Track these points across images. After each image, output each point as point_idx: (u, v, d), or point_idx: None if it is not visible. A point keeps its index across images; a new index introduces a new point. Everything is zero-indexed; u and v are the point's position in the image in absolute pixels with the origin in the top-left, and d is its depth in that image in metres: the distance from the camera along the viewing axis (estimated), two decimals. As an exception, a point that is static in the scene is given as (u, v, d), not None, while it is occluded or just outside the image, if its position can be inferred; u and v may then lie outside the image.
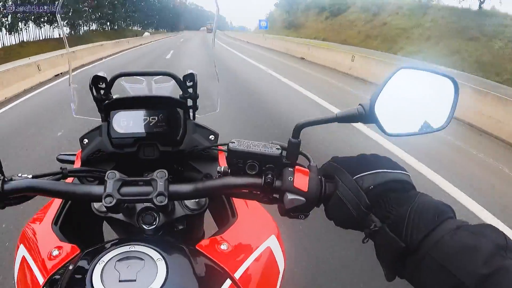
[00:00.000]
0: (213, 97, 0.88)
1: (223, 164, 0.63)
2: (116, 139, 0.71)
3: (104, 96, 0.71)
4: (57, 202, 0.73)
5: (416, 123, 0.52)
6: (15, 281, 0.63)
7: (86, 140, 0.73)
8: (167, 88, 0.78)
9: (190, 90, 0.73)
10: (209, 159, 0.76)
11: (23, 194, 0.52)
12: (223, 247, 0.62)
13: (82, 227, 0.75)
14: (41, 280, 0.57)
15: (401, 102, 0.49)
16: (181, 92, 0.74)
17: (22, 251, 0.65)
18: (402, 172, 0.47)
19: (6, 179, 0.50)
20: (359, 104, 0.49)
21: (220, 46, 21.10)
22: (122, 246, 0.48)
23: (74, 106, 0.82)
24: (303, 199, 0.48)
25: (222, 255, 0.60)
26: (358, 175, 0.46)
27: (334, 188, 0.48)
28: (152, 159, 0.73)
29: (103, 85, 0.70)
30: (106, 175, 0.49)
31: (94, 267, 0.44)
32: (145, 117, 0.71)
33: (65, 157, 0.91)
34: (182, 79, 0.72)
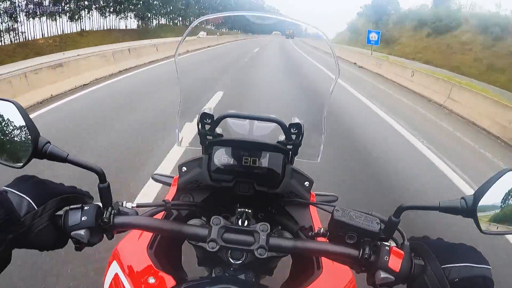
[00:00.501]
0: (315, 146, 0.87)
1: (313, 213, 0.78)
2: (215, 173, 0.75)
3: (209, 132, 0.75)
4: None
5: None
6: None
7: (184, 168, 0.78)
8: (269, 129, 0.81)
9: (294, 137, 0.75)
10: (301, 206, 0.78)
11: (131, 229, 0.58)
12: None
13: (170, 251, 0.79)
14: None
15: (503, 203, 0.51)
16: (283, 135, 0.77)
17: (115, 268, 0.68)
18: (485, 267, 0.49)
19: (115, 213, 0.55)
20: (462, 198, 0.52)
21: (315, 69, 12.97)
22: (218, 286, 0.52)
23: (179, 137, 0.89)
24: (393, 278, 0.51)
25: None
26: (446, 265, 0.49)
27: (422, 271, 0.50)
28: (246, 196, 0.76)
29: (209, 121, 0.75)
30: (211, 221, 0.56)
31: None
32: (246, 157, 0.74)
33: (160, 178, 1.08)
34: (287, 126, 0.74)
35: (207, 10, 70.42)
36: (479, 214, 0.51)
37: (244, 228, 0.56)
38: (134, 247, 0.72)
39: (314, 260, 0.73)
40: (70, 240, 0.54)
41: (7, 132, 0.52)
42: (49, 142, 0.52)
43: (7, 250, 0.47)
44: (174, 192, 0.80)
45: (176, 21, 63.11)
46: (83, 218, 0.52)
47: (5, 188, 0.50)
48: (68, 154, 0.52)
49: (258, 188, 0.75)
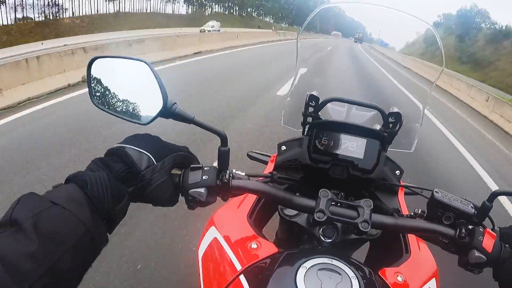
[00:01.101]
0: (410, 136, 0.89)
1: (401, 201, 0.79)
2: (315, 154, 0.76)
3: (313, 113, 0.78)
4: (251, 197, 0.81)
5: None
6: (200, 255, 0.71)
7: (284, 147, 0.80)
8: (364, 117, 0.82)
9: (391, 125, 0.76)
10: (391, 192, 0.80)
11: (245, 192, 0.61)
12: (399, 279, 0.65)
13: (267, 224, 0.86)
14: (238, 266, 0.62)
15: None
16: (380, 123, 0.78)
17: (213, 233, 0.72)
18: None
19: (232, 175, 0.58)
20: None
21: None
22: (323, 257, 0.52)
23: (283, 116, 0.92)
24: (485, 258, 0.54)
25: (397, 286, 0.64)
26: None
27: (509, 257, 0.54)
28: (340, 179, 0.76)
29: (314, 104, 0.77)
30: (320, 193, 0.58)
31: (298, 270, 0.49)
32: (345, 141, 0.75)
33: (256, 155, 1.11)
34: (387, 114, 0.75)
35: (265, 2, 66.09)
36: None
37: (349, 203, 0.59)
38: (233, 215, 0.76)
39: (403, 243, 0.76)
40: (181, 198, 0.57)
41: (138, 90, 0.56)
42: (175, 103, 0.55)
43: (126, 203, 0.49)
44: (271, 168, 0.82)
45: (232, 10, 59.38)
46: (204, 177, 0.55)
47: (120, 144, 0.53)
48: (194, 116, 0.55)
49: (352, 172, 0.76)
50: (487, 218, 0.58)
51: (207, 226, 0.76)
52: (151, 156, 0.52)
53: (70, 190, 0.43)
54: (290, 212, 0.74)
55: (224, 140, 0.57)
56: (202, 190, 0.55)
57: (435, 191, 0.59)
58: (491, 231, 0.56)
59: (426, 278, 0.69)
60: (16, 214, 0.38)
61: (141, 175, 0.50)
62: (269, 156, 1.08)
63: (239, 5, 58.49)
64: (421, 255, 0.73)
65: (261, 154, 1.10)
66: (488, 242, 0.55)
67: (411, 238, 0.77)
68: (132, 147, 0.52)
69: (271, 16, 77.30)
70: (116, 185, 0.47)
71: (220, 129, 0.56)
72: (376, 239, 0.77)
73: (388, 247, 0.79)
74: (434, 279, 0.70)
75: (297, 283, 0.47)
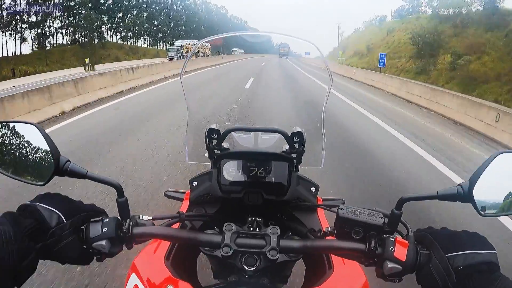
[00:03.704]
0: (317, 152, 0.90)
1: (321, 216, 0.82)
2: (225, 186, 0.78)
3: (217, 146, 0.79)
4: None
5: None
6: None
7: (195, 183, 0.81)
8: (272, 140, 0.84)
9: (297, 145, 0.78)
10: (309, 210, 0.82)
11: (148, 239, 0.62)
12: None
13: (186, 262, 0.82)
14: None
15: (499, 185, 0.53)
16: (286, 145, 0.79)
17: (134, 280, 0.70)
18: (490, 252, 0.50)
19: (133, 224, 0.58)
20: (459, 185, 0.53)
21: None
22: None
23: (187, 153, 0.93)
24: (400, 267, 0.53)
25: None
26: (450, 254, 0.50)
27: (427, 260, 0.53)
28: (256, 205, 0.78)
29: (216, 136, 0.78)
30: (224, 227, 0.59)
31: None
32: (253, 168, 0.77)
33: (173, 193, 1.07)
34: (290, 136, 0.77)
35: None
36: (476, 199, 0.52)
37: (255, 232, 0.60)
38: (152, 259, 0.75)
39: (325, 261, 0.76)
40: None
41: (29, 152, 0.56)
42: (69, 160, 0.56)
43: (34, 259, 0.49)
44: (187, 205, 0.83)
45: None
46: (103, 230, 0.55)
47: (31, 202, 0.53)
48: (87, 171, 0.56)
49: (266, 197, 0.78)
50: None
51: (129, 273, 0.74)
52: (61, 215, 0.53)
53: None
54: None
55: (119, 191, 0.58)
56: (103, 242, 0.55)
57: (340, 208, 0.58)
58: (402, 239, 0.56)
59: None
60: None
61: (51, 232, 0.51)
62: (185, 193, 1.04)
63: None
64: (346, 269, 0.73)
65: (177, 192, 1.08)
66: (401, 251, 0.54)
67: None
68: (43, 205, 0.53)
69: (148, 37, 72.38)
70: (23, 241, 0.47)
71: (115, 180, 0.58)
72: (306, 258, 0.79)
73: (317, 265, 0.78)
74: None
75: None
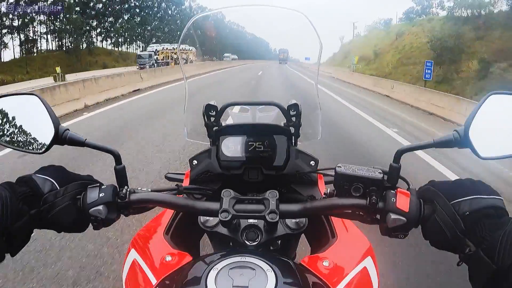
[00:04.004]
0: (314, 125, 0.90)
1: (322, 188, 0.80)
2: (224, 162, 0.77)
3: (215, 122, 0.79)
4: (168, 214, 0.80)
5: (511, 145, 0.53)
6: (124, 280, 0.70)
7: (195, 162, 0.80)
8: (271, 117, 0.84)
9: (294, 118, 0.77)
10: (309, 183, 0.81)
11: (146, 205, 0.60)
12: (325, 264, 0.65)
13: (187, 239, 0.81)
14: (153, 281, 0.62)
15: (494, 126, 0.53)
16: (284, 120, 0.79)
17: (133, 255, 0.72)
18: (496, 197, 0.48)
19: (130, 191, 0.58)
20: (454, 130, 0.53)
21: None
22: (234, 256, 0.52)
23: (186, 131, 0.92)
24: (404, 219, 0.51)
25: (324, 271, 0.63)
26: (455, 201, 0.49)
27: (432, 211, 0.51)
28: (256, 181, 0.77)
29: (214, 113, 0.78)
30: (222, 193, 0.57)
31: (209, 272, 0.48)
32: (251, 143, 0.76)
33: (173, 175, 1.05)
34: (286, 109, 0.77)
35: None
36: (474, 142, 0.51)
37: (254, 197, 0.58)
38: (151, 234, 0.76)
39: (328, 230, 0.75)
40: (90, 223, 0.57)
41: (30, 122, 0.58)
42: (68, 129, 0.57)
43: (28, 225, 0.50)
44: (187, 184, 0.83)
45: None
46: (101, 195, 0.56)
47: (30, 174, 0.55)
48: (86, 139, 0.57)
49: (266, 172, 0.76)
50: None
51: (128, 249, 0.75)
52: (54, 182, 0.55)
53: None
54: (210, 223, 0.70)
55: (118, 158, 0.59)
56: (100, 207, 0.55)
57: (337, 166, 0.57)
58: (404, 190, 0.54)
59: (359, 257, 0.68)
60: None
61: (44, 198, 0.53)
62: (183, 174, 1.05)
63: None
64: (350, 236, 0.73)
65: (178, 173, 1.07)
66: (403, 202, 0.52)
67: (337, 222, 0.76)
68: (38, 174, 0.55)
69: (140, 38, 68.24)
70: (16, 204, 0.49)
71: (113, 148, 0.58)
72: (306, 231, 0.74)
73: (319, 237, 0.78)
74: (369, 257, 0.69)
75: (207, 285, 0.46)
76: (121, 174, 0.59)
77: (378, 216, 0.55)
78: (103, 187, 0.57)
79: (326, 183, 0.82)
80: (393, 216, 0.51)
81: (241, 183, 0.77)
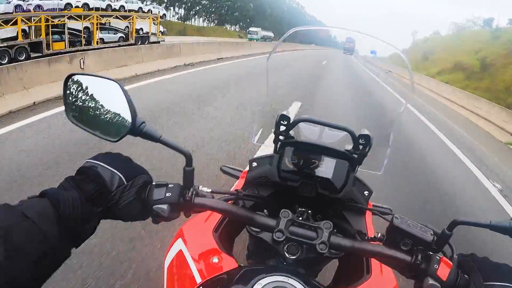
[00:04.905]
0: (379, 158, 0.89)
1: (369, 222, 0.83)
2: (284, 172, 0.78)
3: (284, 132, 0.78)
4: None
5: None
6: (166, 266, 0.75)
7: (255, 164, 0.82)
8: (337, 137, 0.83)
9: (361, 147, 0.75)
10: (358, 211, 0.81)
11: (207, 210, 0.63)
12: None
13: (232, 239, 0.91)
14: (198, 279, 0.66)
15: None
16: (350, 144, 0.77)
17: (180, 245, 0.76)
18: None
19: (195, 194, 0.61)
20: (511, 219, 0.55)
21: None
22: (280, 275, 0.53)
23: (254, 134, 0.96)
24: (439, 286, 0.55)
25: None
26: (489, 283, 0.51)
27: (466, 285, 0.54)
28: (308, 196, 0.78)
29: (285, 123, 0.78)
30: (281, 213, 0.62)
31: (253, 287, 0.50)
32: (314, 160, 0.77)
33: (228, 169, 1.19)
34: (357, 137, 0.75)
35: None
36: None
37: (309, 224, 0.61)
38: (200, 228, 0.79)
39: (364, 264, 0.78)
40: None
41: (109, 108, 0.58)
42: (144, 122, 0.57)
43: (95, 221, 0.52)
44: (242, 184, 0.84)
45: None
46: (167, 194, 0.58)
47: (93, 162, 0.55)
48: (161, 135, 0.57)
49: (320, 191, 0.77)
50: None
51: (175, 237, 0.78)
52: (121, 176, 0.55)
53: (43, 206, 0.46)
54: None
55: (189, 160, 0.59)
56: (164, 206, 0.57)
57: (395, 217, 0.60)
58: (447, 260, 0.57)
59: None
60: None
61: (111, 195, 0.53)
62: (241, 171, 1.15)
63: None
64: (382, 277, 0.75)
65: (233, 169, 1.15)
66: (443, 271, 0.55)
67: (374, 259, 0.76)
68: (105, 165, 0.54)
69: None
70: (86, 206, 0.50)
71: (186, 149, 0.58)
72: (342, 258, 0.76)
73: (353, 267, 0.81)
74: None
75: None
76: (189, 176, 0.60)
77: (416, 273, 0.58)
78: (170, 186, 0.59)
79: (374, 213, 0.82)
80: (430, 281, 0.55)
81: (292, 194, 0.79)
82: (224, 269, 0.66)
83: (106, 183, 0.53)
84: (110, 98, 0.58)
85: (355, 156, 0.76)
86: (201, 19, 63.31)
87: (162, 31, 19.27)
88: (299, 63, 18.09)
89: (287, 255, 0.66)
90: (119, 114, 0.57)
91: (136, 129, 0.56)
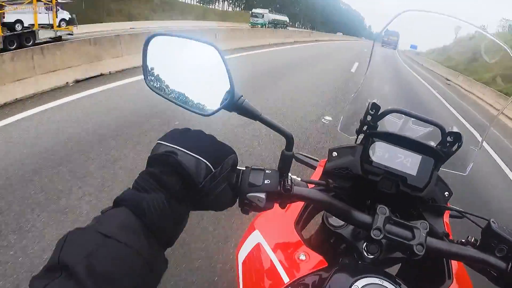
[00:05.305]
0: (465, 158, 0.83)
1: (447, 225, 0.78)
2: (367, 165, 0.72)
3: (372, 123, 0.74)
4: (299, 202, 0.71)
5: None
6: (241, 260, 0.72)
7: (335, 154, 0.76)
8: (422, 131, 0.79)
9: (448, 144, 0.72)
10: (437, 214, 0.76)
11: (302, 201, 0.59)
12: None
13: (311, 232, 0.85)
14: (285, 279, 0.63)
15: None
16: (434, 140, 0.74)
17: (258, 237, 0.71)
18: None
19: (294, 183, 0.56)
20: None
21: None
22: (373, 277, 0.49)
23: (341, 122, 0.88)
24: None
25: None
26: None
27: None
28: (387, 193, 0.73)
29: (373, 113, 0.74)
30: (378, 209, 0.57)
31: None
32: (400, 155, 0.72)
33: (303, 157, 1.11)
34: (447, 133, 0.72)
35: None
36: None
37: (406, 223, 0.57)
38: (279, 221, 0.74)
39: (445, 269, 0.74)
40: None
41: (204, 77, 0.51)
42: (242, 96, 0.51)
43: (186, 219, 0.47)
44: (319, 173, 0.79)
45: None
46: (265, 181, 0.53)
47: (168, 145, 0.47)
48: (261, 113, 0.53)
49: (402, 188, 0.71)
50: None
51: (249, 229, 0.73)
52: (208, 163, 0.47)
53: (123, 217, 0.39)
54: (336, 222, 0.71)
55: (290, 143, 0.55)
56: (262, 195, 0.52)
57: (492, 221, 0.57)
58: None
59: None
60: (65, 257, 0.34)
61: (200, 187, 0.45)
62: (315, 160, 1.09)
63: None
64: (463, 283, 0.72)
65: (308, 157, 1.07)
66: None
67: (453, 263, 0.74)
68: (186, 151, 0.46)
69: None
70: (175, 206, 0.43)
71: (288, 130, 0.54)
72: (419, 260, 0.71)
73: (428, 269, 0.77)
74: None
75: None
76: (287, 161, 0.55)
77: (509, 281, 0.56)
78: (267, 171, 0.54)
79: (451, 216, 0.78)
80: None
81: (371, 188, 0.74)
82: (312, 267, 0.63)
83: (191, 173, 0.45)
84: (203, 65, 0.51)
85: (442, 153, 0.72)
86: (225, 2, 61.76)
87: (66, 19, 12.61)
88: (308, 71, 10.81)
89: (365, 253, 0.63)
90: (212, 85, 0.50)
91: (234, 104, 0.50)
